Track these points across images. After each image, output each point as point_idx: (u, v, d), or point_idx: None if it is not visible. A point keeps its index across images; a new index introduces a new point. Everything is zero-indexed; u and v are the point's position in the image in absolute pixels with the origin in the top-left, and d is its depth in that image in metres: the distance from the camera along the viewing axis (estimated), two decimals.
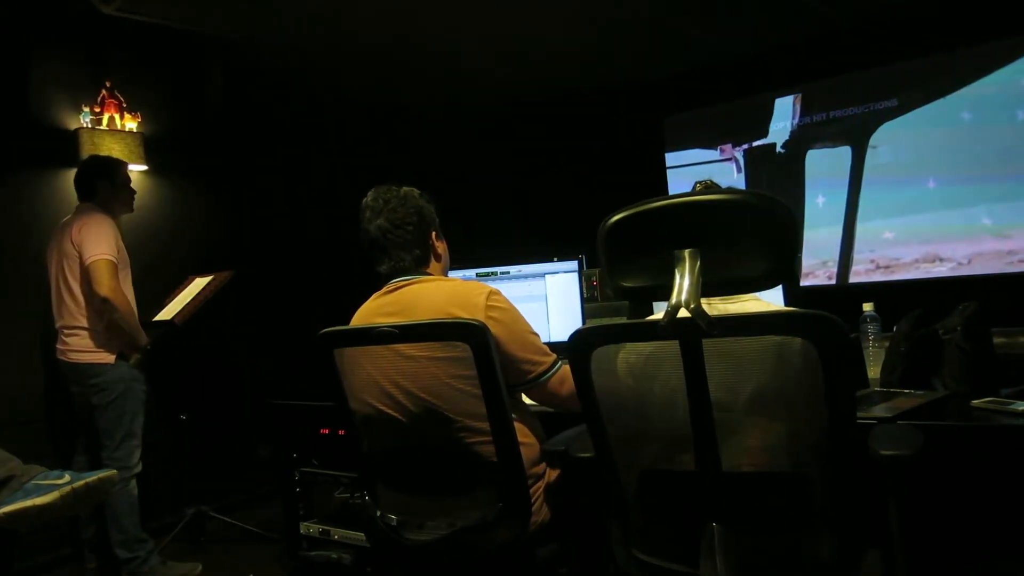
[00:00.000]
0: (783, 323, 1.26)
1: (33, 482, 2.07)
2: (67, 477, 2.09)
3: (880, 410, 1.69)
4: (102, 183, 3.22)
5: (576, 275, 2.64)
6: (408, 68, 4.67)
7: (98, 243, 3.04)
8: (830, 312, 1.19)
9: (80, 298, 3.12)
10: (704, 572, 1.31)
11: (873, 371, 2.09)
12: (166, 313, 3.56)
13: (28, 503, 2.03)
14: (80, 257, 3.07)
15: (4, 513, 2.02)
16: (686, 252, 1.24)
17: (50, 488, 2.07)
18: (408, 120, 4.94)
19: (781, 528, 1.35)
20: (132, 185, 3.37)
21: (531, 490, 1.68)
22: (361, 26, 4.08)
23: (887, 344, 2.04)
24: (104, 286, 3.01)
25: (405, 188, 1.88)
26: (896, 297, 2.71)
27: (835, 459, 1.26)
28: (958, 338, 1.87)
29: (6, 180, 3.50)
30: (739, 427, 1.30)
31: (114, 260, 3.06)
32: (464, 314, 1.68)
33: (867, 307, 2.26)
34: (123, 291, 3.10)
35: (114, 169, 3.29)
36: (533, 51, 4.57)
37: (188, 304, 3.53)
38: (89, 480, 2.11)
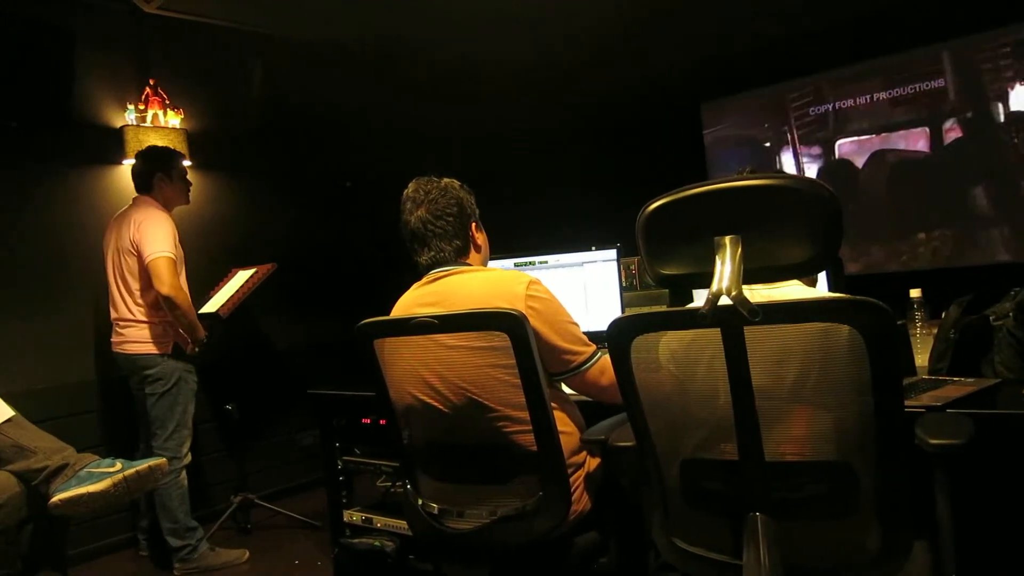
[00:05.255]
0: (829, 310, 1.23)
1: (86, 470, 2.14)
2: (119, 465, 2.16)
3: (928, 398, 1.65)
4: (159, 176, 3.27)
5: (615, 263, 2.63)
6: (446, 60, 4.67)
7: (157, 241, 3.09)
8: (876, 298, 1.16)
9: (136, 292, 3.19)
10: (747, 562, 1.30)
11: (921, 358, 2.04)
12: (211, 305, 3.64)
13: (82, 490, 2.10)
14: (140, 255, 3.12)
15: (59, 499, 2.10)
16: (727, 239, 1.22)
17: (102, 476, 2.14)
18: (447, 112, 4.94)
19: (826, 518, 1.33)
20: None
21: (571, 479, 1.68)
22: (401, 21, 4.10)
23: (935, 331, 1.99)
24: (166, 284, 3.05)
25: (446, 179, 1.89)
26: (945, 282, 2.64)
27: (882, 449, 1.24)
28: (1010, 324, 1.82)
29: (57, 177, 3.59)
30: (783, 415, 1.28)
31: (174, 257, 3.12)
32: (504, 304, 1.68)
33: (915, 293, 2.21)
34: (184, 289, 3.15)
35: (171, 161, 3.33)
36: (567, 38, 4.54)
37: (232, 296, 3.60)
38: (139, 468, 2.17)
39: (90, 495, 2.09)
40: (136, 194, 3.31)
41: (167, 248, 3.10)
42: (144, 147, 3.59)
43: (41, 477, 2.12)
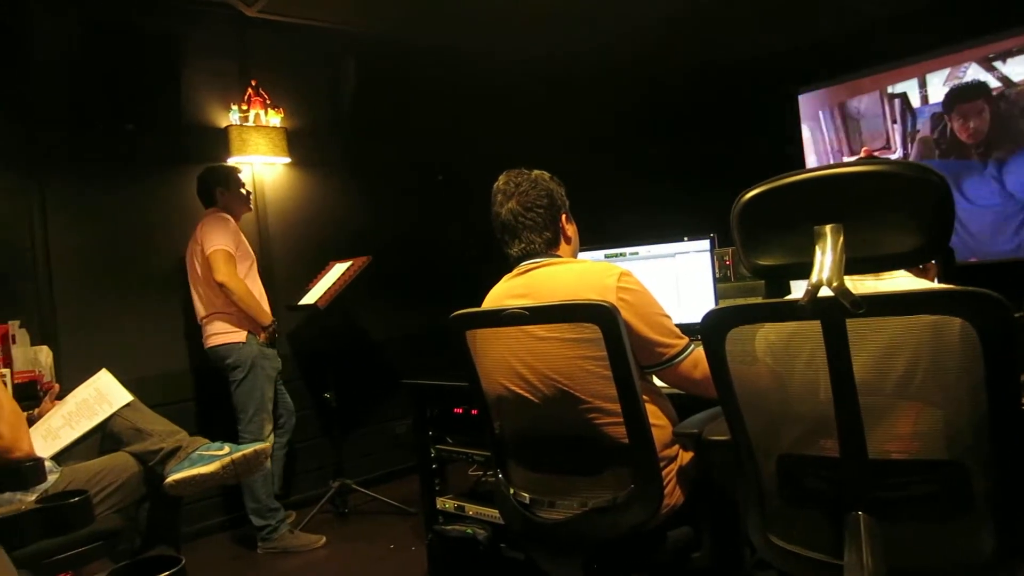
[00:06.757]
0: (939, 301, 1.17)
1: (198, 452, 2.27)
2: (227, 448, 2.28)
3: None
4: (220, 189, 3.54)
5: (708, 254, 2.58)
6: (535, 50, 4.68)
7: (215, 237, 3.35)
8: (992, 289, 1.10)
9: (210, 287, 3.41)
10: (848, 562, 1.26)
11: None
12: (310, 297, 3.78)
13: (194, 471, 2.22)
14: (203, 250, 3.36)
15: (173, 479, 2.23)
16: (828, 228, 1.18)
17: (212, 458, 2.26)
18: (536, 104, 4.94)
19: (934, 520, 1.27)
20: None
21: (663, 472, 1.66)
22: (486, 17, 4.13)
23: None
24: (221, 272, 3.30)
25: (536, 171, 1.90)
26: None
27: (997, 448, 1.17)
28: None
29: (169, 176, 3.80)
30: (888, 412, 1.23)
31: (230, 251, 3.35)
32: (595, 296, 1.67)
33: None
34: (238, 277, 3.36)
35: (228, 177, 3.58)
36: (659, 25, 4.46)
37: (330, 288, 3.73)
38: (246, 452, 2.29)
39: (201, 476, 2.22)
40: (204, 209, 3.56)
41: (224, 243, 3.34)
42: (244, 147, 3.81)
43: (157, 458, 2.26)
